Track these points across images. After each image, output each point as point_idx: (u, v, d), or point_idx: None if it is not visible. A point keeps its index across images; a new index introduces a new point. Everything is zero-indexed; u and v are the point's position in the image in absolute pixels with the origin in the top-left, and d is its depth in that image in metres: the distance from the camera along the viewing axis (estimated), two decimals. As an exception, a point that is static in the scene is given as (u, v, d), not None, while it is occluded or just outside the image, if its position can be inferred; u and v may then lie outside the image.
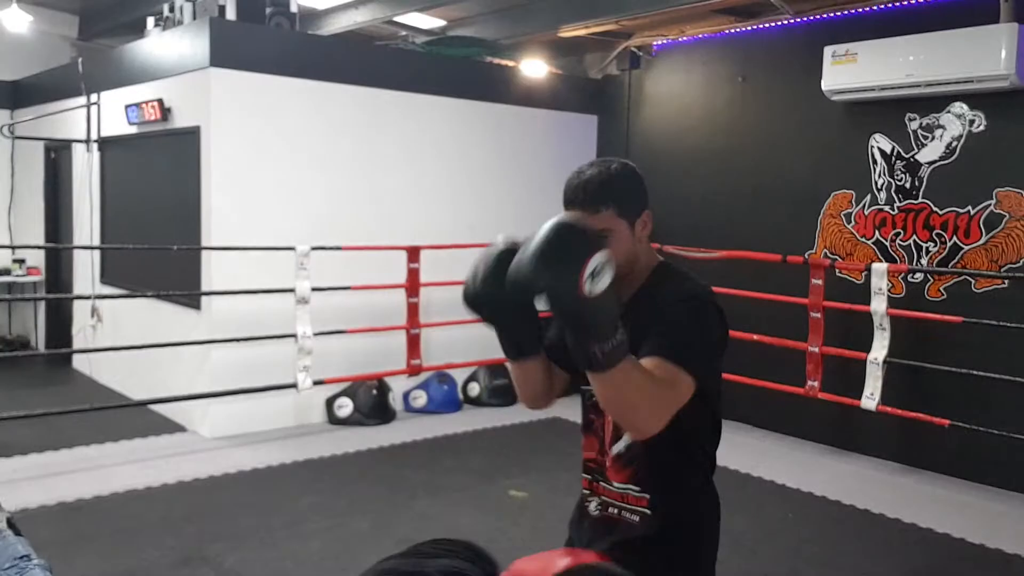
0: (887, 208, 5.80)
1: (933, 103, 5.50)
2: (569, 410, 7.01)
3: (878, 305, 5.47)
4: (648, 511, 1.81)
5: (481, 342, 7.18)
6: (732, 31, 6.70)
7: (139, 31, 7.24)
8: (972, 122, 5.38)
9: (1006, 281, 5.22)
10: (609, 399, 1.64)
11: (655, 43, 7.29)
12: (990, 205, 5.30)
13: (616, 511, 1.86)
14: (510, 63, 7.45)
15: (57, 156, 8.22)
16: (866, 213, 5.91)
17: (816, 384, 5.82)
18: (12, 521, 2.76)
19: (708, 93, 6.96)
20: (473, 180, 7.12)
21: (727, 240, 6.63)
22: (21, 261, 8.39)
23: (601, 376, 1.56)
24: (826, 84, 5.75)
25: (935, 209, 5.56)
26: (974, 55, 5.03)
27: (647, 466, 1.82)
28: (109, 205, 7.24)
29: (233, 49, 5.86)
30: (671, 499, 1.82)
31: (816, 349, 5.81)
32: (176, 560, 3.92)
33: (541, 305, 1.61)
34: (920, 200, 5.64)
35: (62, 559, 3.91)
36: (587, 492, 1.94)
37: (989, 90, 5.12)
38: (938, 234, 5.55)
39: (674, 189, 7.19)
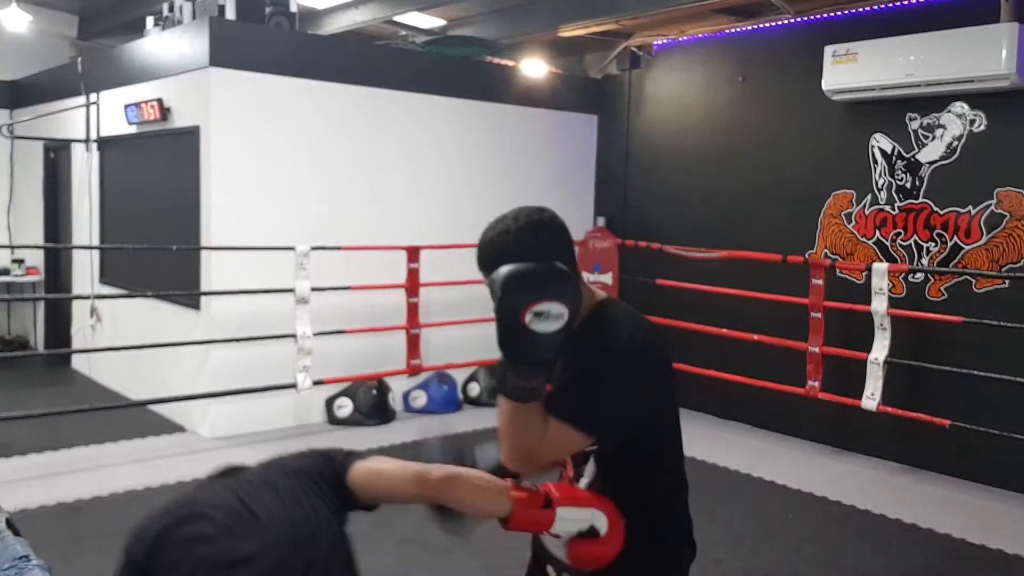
0: (888, 208, 5.79)
1: (934, 103, 5.50)
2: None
3: (879, 305, 5.46)
4: None
5: (481, 342, 7.17)
6: (732, 31, 6.70)
7: (139, 31, 7.24)
8: (973, 122, 5.38)
9: (1007, 281, 5.22)
10: (500, 423, 1.73)
11: (655, 43, 7.28)
12: (991, 205, 5.30)
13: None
14: (510, 63, 7.45)
15: (56, 156, 8.21)
16: (867, 213, 5.90)
17: (816, 384, 5.82)
18: (11, 521, 2.75)
19: (708, 93, 6.95)
20: (473, 180, 7.12)
21: (727, 240, 6.63)
22: (20, 261, 8.39)
23: (504, 402, 1.69)
24: (826, 84, 5.75)
25: (936, 209, 5.56)
26: (975, 55, 5.03)
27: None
28: (108, 205, 7.23)
29: (233, 49, 5.85)
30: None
31: (816, 349, 5.81)
32: (175, 560, 3.92)
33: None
34: (921, 200, 5.63)
35: (62, 559, 3.90)
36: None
37: (990, 90, 5.11)
38: (939, 234, 5.54)
39: (674, 189, 7.19)
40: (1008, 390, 5.12)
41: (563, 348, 1.70)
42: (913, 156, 5.66)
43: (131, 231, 6.70)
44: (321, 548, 1.72)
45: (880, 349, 5.47)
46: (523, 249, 1.72)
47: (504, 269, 1.63)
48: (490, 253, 1.78)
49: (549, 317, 1.60)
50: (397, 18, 7.26)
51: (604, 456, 1.81)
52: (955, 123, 5.45)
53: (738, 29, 6.64)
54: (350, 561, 1.78)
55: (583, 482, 1.86)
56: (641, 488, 1.85)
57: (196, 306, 5.96)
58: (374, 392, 6.42)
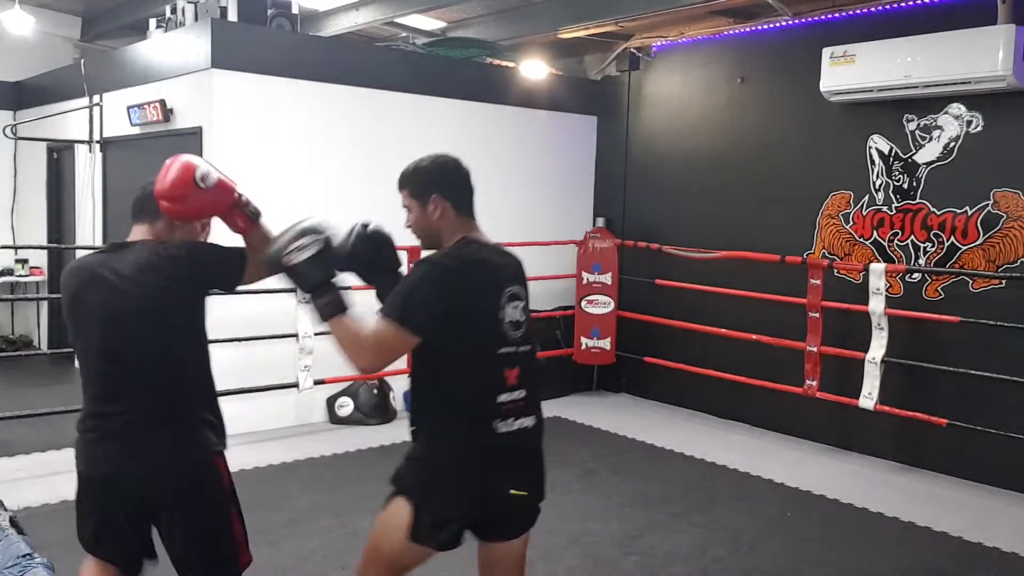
0: (885, 208, 5.83)
1: (931, 104, 5.53)
2: (570, 409, 7.06)
3: (876, 305, 5.50)
4: (412, 436, 2.47)
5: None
6: (731, 32, 6.73)
7: (141, 32, 7.28)
8: (970, 123, 5.41)
9: (1003, 281, 5.25)
10: (335, 342, 2.28)
11: (654, 44, 7.31)
12: (987, 205, 5.33)
13: (523, 418, 2.40)
14: (510, 64, 7.48)
15: (59, 157, 8.25)
16: (864, 213, 5.93)
17: (814, 383, 5.85)
18: (15, 520, 2.79)
19: (707, 94, 6.98)
20: (474, 180, 7.13)
21: (726, 240, 6.66)
22: (24, 261, 8.43)
23: (325, 324, 2.28)
24: (824, 85, 5.78)
25: (933, 209, 5.59)
26: (972, 56, 5.05)
27: (414, 402, 2.47)
28: (111, 205, 7.27)
29: (235, 50, 5.89)
30: (421, 429, 2.43)
31: (814, 349, 5.84)
32: (178, 558, 3.95)
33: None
34: (918, 201, 5.66)
35: (65, 558, 3.93)
36: (492, 411, 2.39)
37: (987, 91, 5.14)
38: (936, 234, 5.57)
39: (673, 190, 7.23)
40: (1004, 389, 5.15)
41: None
42: (910, 157, 5.69)
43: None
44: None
45: (877, 349, 5.51)
46: (420, 177, 2.56)
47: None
48: (401, 175, 2.63)
49: (305, 248, 2.28)
50: (398, 20, 7.30)
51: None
52: (952, 124, 5.48)
53: (737, 31, 6.68)
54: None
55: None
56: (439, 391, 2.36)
57: (198, 306, 5.98)
58: (375, 391, 6.46)
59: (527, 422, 2.40)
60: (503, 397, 2.31)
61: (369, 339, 2.23)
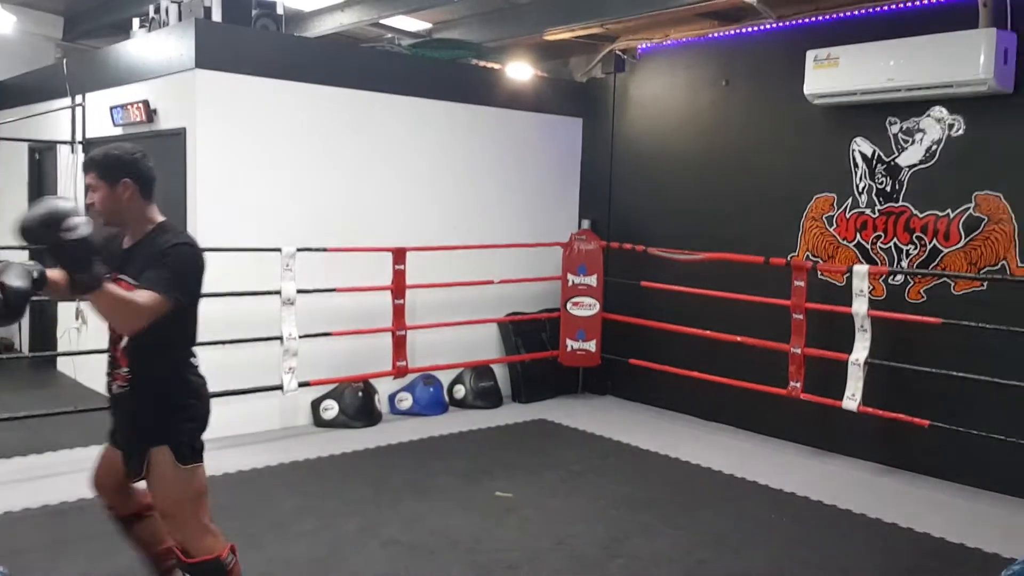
0: (868, 211, 5.86)
1: (913, 107, 5.57)
2: (555, 412, 7.06)
3: (859, 307, 5.53)
4: (129, 386, 2.86)
5: (467, 344, 7.21)
6: (715, 35, 6.75)
7: (124, 32, 7.23)
8: (952, 126, 5.45)
9: (984, 283, 5.30)
10: (98, 311, 2.55)
11: (639, 46, 7.33)
12: (969, 208, 5.37)
13: (121, 387, 2.89)
14: (496, 66, 7.48)
15: (41, 157, 8.18)
16: (847, 216, 5.97)
17: (798, 385, 5.88)
18: None
19: (692, 96, 7.01)
20: (459, 182, 7.14)
21: (710, 242, 6.68)
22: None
23: (90, 296, 2.47)
24: (808, 88, 5.81)
25: (915, 212, 5.63)
26: (954, 60, 5.09)
27: (134, 356, 2.84)
28: (93, 207, 7.20)
29: (219, 51, 5.85)
30: (145, 379, 2.86)
31: (798, 350, 5.87)
32: (161, 562, 3.92)
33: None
34: (900, 203, 5.70)
35: (46, 562, 3.90)
36: (108, 376, 2.95)
37: (968, 95, 5.18)
38: (918, 237, 5.61)
39: (659, 191, 7.25)
40: (986, 391, 5.19)
41: (127, 254, 2.85)
42: (893, 160, 5.73)
43: (116, 233, 6.68)
44: None
45: (861, 350, 5.54)
46: (108, 162, 2.81)
47: (29, 216, 2.40)
48: (88, 159, 2.87)
49: (75, 228, 2.35)
50: (383, 21, 7.28)
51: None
52: (934, 127, 5.52)
53: (721, 33, 6.70)
54: None
55: (123, 343, 2.85)
56: (165, 350, 2.86)
57: (182, 308, 5.95)
58: (360, 394, 6.44)
59: None
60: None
61: (146, 307, 2.59)
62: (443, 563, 4.03)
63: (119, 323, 2.70)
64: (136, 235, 2.88)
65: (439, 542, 4.26)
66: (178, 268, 2.72)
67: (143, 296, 2.59)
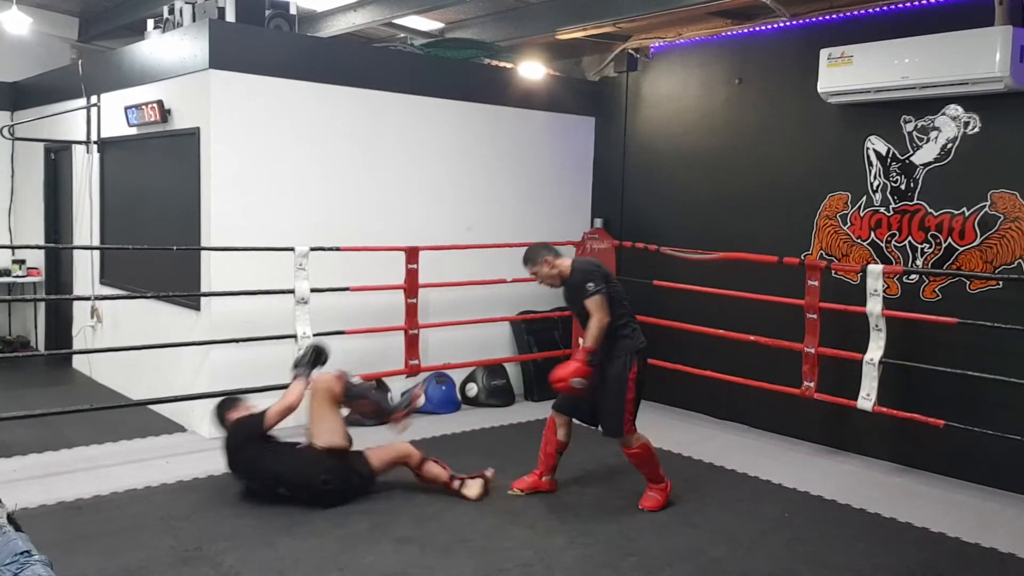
0: (882, 210, 5.83)
1: (928, 105, 5.54)
2: (567, 410, 7.00)
3: (874, 306, 5.50)
4: None
5: (479, 343, 7.22)
6: (729, 33, 6.73)
7: (139, 33, 7.28)
8: (967, 124, 5.42)
9: (1000, 282, 5.26)
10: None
11: (652, 45, 7.32)
12: (985, 207, 5.34)
13: None
14: (508, 65, 7.48)
15: (57, 157, 8.24)
16: (862, 215, 5.94)
17: (812, 385, 5.86)
18: (12, 517, 2.78)
19: (705, 95, 6.99)
20: (472, 181, 7.15)
21: (724, 242, 6.67)
22: (21, 262, 8.42)
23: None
24: (822, 86, 5.78)
25: (930, 211, 5.60)
26: (969, 57, 5.06)
27: None
28: (109, 206, 7.27)
29: (232, 51, 5.88)
30: None
31: (812, 350, 5.85)
32: (176, 559, 3.95)
33: None
34: (915, 202, 5.67)
35: (62, 558, 3.93)
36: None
37: (984, 92, 5.15)
38: (933, 235, 5.58)
39: (671, 191, 7.23)
40: (1002, 390, 5.15)
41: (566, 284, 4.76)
42: (908, 158, 5.70)
43: (131, 232, 6.73)
44: None
45: (875, 350, 5.51)
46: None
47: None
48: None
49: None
50: (396, 20, 7.30)
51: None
52: (949, 125, 5.49)
53: (734, 32, 6.68)
54: None
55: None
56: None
57: (196, 307, 5.99)
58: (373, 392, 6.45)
59: None
60: None
61: None
62: (456, 561, 4.04)
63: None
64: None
65: (452, 540, 4.27)
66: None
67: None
